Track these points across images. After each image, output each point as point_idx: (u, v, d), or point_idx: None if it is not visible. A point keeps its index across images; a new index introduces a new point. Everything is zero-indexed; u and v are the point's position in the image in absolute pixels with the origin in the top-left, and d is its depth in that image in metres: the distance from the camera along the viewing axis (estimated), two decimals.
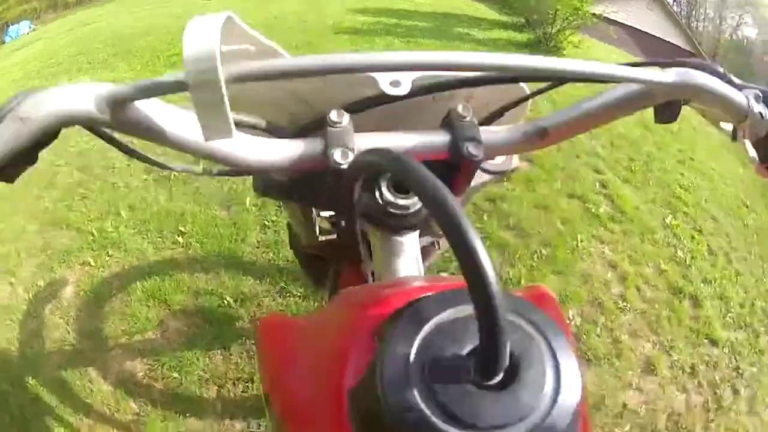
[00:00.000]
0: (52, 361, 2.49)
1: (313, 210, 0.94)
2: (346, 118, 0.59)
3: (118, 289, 2.81)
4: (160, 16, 14.06)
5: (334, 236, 0.98)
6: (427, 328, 0.38)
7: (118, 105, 0.46)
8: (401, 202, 0.63)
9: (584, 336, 2.49)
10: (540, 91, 0.70)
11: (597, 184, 3.96)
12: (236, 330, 2.48)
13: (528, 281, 2.70)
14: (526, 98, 0.69)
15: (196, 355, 2.36)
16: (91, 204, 3.63)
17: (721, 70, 0.60)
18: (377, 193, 0.63)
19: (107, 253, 3.09)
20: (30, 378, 2.41)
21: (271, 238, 3.04)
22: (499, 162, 0.77)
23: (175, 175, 3.73)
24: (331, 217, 0.98)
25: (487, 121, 0.69)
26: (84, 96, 0.45)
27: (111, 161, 4.10)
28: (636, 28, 20.91)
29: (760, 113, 0.58)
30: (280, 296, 2.64)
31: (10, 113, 0.43)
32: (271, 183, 0.71)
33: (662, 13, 23.88)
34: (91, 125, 0.48)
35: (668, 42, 23.28)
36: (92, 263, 3.03)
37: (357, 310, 0.49)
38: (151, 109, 0.49)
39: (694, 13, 36.76)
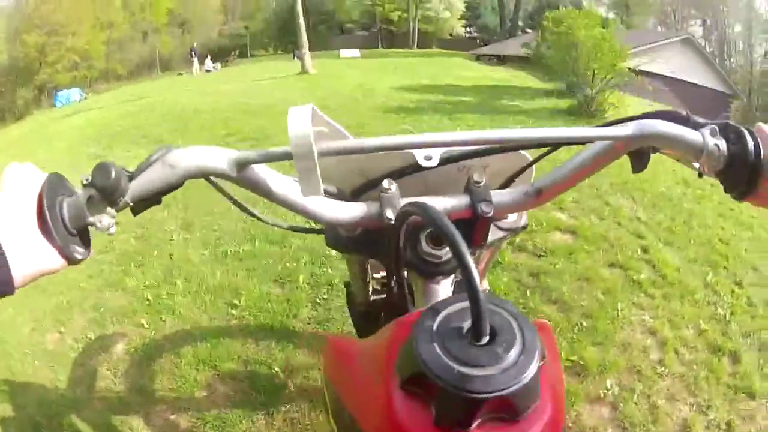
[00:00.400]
0: (94, 406, 2.60)
1: (368, 270, 1.15)
2: (394, 185, 0.75)
3: (169, 351, 2.92)
4: (213, 95, 14.64)
5: (384, 296, 1.17)
6: (442, 315, 0.55)
7: (241, 166, 0.65)
8: (436, 252, 0.78)
9: (621, 404, 2.48)
10: (539, 158, 0.85)
11: (639, 250, 3.98)
12: (282, 398, 2.53)
13: (569, 354, 2.73)
14: (529, 165, 0.85)
15: (240, 417, 2.42)
16: (147, 271, 3.82)
17: (684, 113, 0.72)
18: (418, 246, 0.79)
19: (161, 317, 3.23)
20: (67, 416, 2.52)
21: (322, 314, 3.13)
22: (511, 221, 0.89)
23: (231, 252, 3.95)
24: (381, 278, 1.16)
25: (502, 186, 0.85)
26: (218, 156, 0.65)
27: (169, 234, 4.37)
28: (671, 77, 20.92)
29: (717, 146, 0.67)
30: None
31: (160, 160, 0.63)
32: (338, 238, 0.84)
33: (695, 55, 23.94)
34: (219, 178, 0.67)
35: (704, 87, 23.16)
36: (145, 325, 3.17)
37: (399, 322, 0.65)
38: (264, 171, 0.69)
39: (725, 48, 36.56)
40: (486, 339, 0.50)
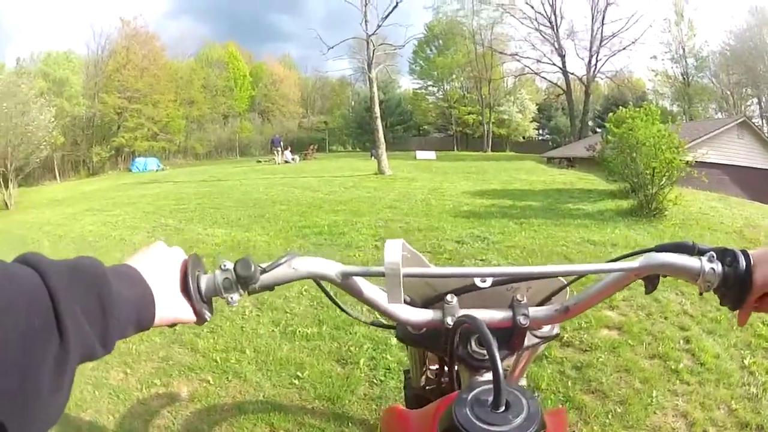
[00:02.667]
0: None
1: (426, 361, 1.37)
2: (455, 299, 0.96)
3: (231, 407, 3.18)
4: (291, 187, 15.27)
5: (435, 385, 1.34)
6: (475, 391, 0.73)
7: (346, 276, 0.89)
8: (481, 351, 0.95)
9: None
10: (570, 283, 1.05)
11: (681, 340, 4.06)
12: None
13: None
14: (562, 287, 1.03)
15: None
16: (218, 338, 4.15)
17: (690, 243, 0.87)
18: (468, 346, 0.96)
19: (227, 378, 3.52)
20: None
21: (377, 392, 3.35)
22: (546, 330, 1.05)
23: (299, 332, 4.26)
24: (435, 369, 1.35)
25: (541, 304, 1.02)
26: (330, 266, 0.89)
27: (242, 309, 4.71)
28: (729, 164, 20.64)
29: (713, 269, 0.83)
30: None
31: (286, 263, 0.87)
32: (407, 333, 1.04)
33: (752, 136, 23.33)
34: (327, 282, 0.91)
35: (762, 169, 22.46)
36: (211, 382, 3.46)
37: (446, 398, 0.85)
38: (360, 281, 0.92)
39: None
40: (502, 408, 0.69)
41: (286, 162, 30.49)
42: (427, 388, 1.40)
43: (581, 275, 0.98)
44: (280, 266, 0.87)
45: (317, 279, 0.91)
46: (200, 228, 8.65)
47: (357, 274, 0.90)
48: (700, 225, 8.91)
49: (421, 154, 30.85)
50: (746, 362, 3.68)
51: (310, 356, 3.86)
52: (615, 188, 12.00)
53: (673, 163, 9.23)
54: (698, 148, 14.22)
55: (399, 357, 3.73)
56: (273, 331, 4.34)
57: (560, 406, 3.18)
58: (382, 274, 0.84)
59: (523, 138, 51.39)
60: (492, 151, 44.10)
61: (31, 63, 42.99)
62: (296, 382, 3.48)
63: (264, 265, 0.86)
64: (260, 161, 33.89)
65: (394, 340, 3.96)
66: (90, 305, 0.55)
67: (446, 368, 1.06)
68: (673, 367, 3.62)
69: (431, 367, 1.38)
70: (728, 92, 42.65)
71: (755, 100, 42.17)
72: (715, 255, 0.84)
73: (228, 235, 7.90)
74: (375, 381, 3.49)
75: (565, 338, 4.03)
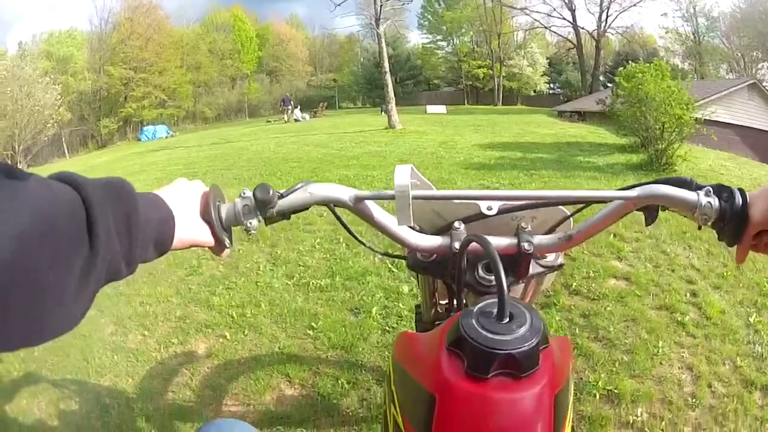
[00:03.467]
0: (167, 398, 2.95)
1: (436, 295, 1.40)
2: (462, 226, 1.01)
3: (247, 360, 3.27)
4: (302, 144, 15.36)
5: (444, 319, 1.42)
6: (481, 304, 0.76)
7: (358, 200, 0.93)
8: (488, 277, 1.01)
9: (648, 431, 2.61)
10: (574, 213, 1.08)
11: (688, 294, 4.08)
12: (344, 405, 2.81)
13: (606, 384, 2.89)
14: (566, 218, 1.07)
15: (304, 417, 2.72)
16: (234, 293, 4.23)
17: (688, 179, 0.90)
18: (475, 272, 1.02)
19: (243, 332, 3.60)
20: (140, 404, 2.88)
21: (389, 340, 3.41)
22: (550, 260, 1.08)
23: (312, 284, 4.33)
24: (446, 303, 1.40)
25: (546, 233, 1.06)
26: (343, 191, 0.93)
27: (256, 264, 4.83)
28: (739, 125, 20.45)
29: (710, 203, 0.86)
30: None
31: (302, 188, 0.91)
32: (417, 261, 1.06)
33: (762, 99, 23.04)
34: (339, 207, 0.95)
35: None
36: (228, 337, 3.54)
37: (453, 316, 0.85)
38: (372, 206, 0.96)
39: None
40: (506, 320, 0.71)
41: (297, 120, 30.49)
42: (436, 322, 1.41)
43: (584, 201, 1.01)
44: (297, 191, 0.91)
45: (331, 204, 0.95)
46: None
47: (369, 198, 0.94)
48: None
49: (431, 109, 30.67)
50: (752, 320, 3.70)
51: (324, 307, 3.93)
52: (625, 142, 11.97)
53: (683, 119, 9.23)
54: (707, 107, 14.02)
55: (410, 305, 3.79)
56: (287, 284, 4.41)
57: (564, 334, 3.25)
58: (392, 197, 0.88)
59: (534, 92, 50.83)
60: (503, 104, 43.84)
61: (33, 45, 42.73)
62: (310, 332, 3.56)
63: (281, 191, 0.91)
64: (270, 121, 33.96)
65: (406, 288, 4.07)
66: (119, 221, 0.59)
67: (455, 299, 1.07)
68: (679, 319, 3.65)
69: (441, 302, 1.42)
70: (739, 54, 41.93)
71: (766, 64, 41.48)
72: (712, 190, 0.88)
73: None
74: (387, 329, 3.56)
75: (573, 286, 4.10)
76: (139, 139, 36.50)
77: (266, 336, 3.55)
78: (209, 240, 0.83)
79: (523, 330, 0.70)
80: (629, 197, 0.90)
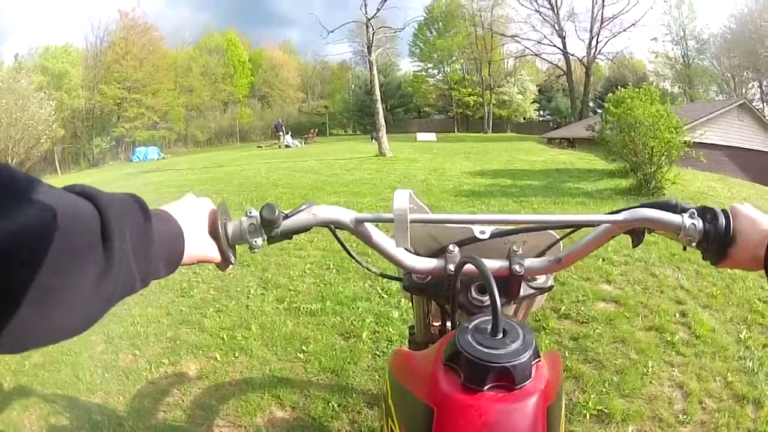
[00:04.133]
0: (158, 417, 2.94)
1: (430, 316, 1.44)
2: (456, 249, 1.05)
3: (238, 382, 3.26)
4: (293, 171, 15.39)
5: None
6: (476, 321, 0.80)
7: (358, 222, 0.97)
8: (480, 298, 1.04)
9: None
10: (564, 236, 1.12)
11: (677, 314, 4.10)
12: (336, 426, 2.81)
13: (597, 404, 2.90)
14: (555, 242, 1.11)
15: None
16: (224, 316, 4.24)
17: (674, 202, 0.95)
18: (468, 293, 1.04)
19: (234, 355, 3.60)
20: (130, 422, 2.87)
21: (380, 364, 3.42)
22: (540, 281, 1.11)
23: (303, 308, 4.35)
24: (439, 325, 1.42)
25: (537, 256, 1.09)
26: (345, 213, 0.97)
27: (247, 288, 4.83)
28: (729, 146, 20.73)
29: (693, 225, 0.89)
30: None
31: (306, 210, 0.95)
32: (412, 283, 1.10)
33: (752, 119, 23.31)
34: (340, 228, 0.98)
35: (761, 151, 22.47)
36: (218, 359, 3.54)
37: (448, 334, 0.88)
38: (371, 228, 1.00)
39: None
40: (500, 335, 0.75)
41: (287, 146, 30.62)
42: (429, 344, 1.43)
43: (573, 225, 1.05)
44: (301, 212, 0.95)
45: (333, 225, 0.98)
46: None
47: (368, 221, 0.98)
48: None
49: (421, 136, 30.98)
50: (742, 336, 3.72)
51: (315, 331, 3.94)
52: (614, 168, 12.07)
53: (672, 143, 9.31)
54: (697, 129, 14.20)
55: (400, 329, 3.81)
56: (278, 308, 4.42)
57: (554, 349, 3.25)
58: (391, 220, 0.93)
59: (524, 119, 51.34)
60: (493, 132, 44.28)
61: (29, 59, 42.97)
62: (301, 356, 3.56)
63: (286, 212, 0.95)
64: (261, 146, 34.09)
65: (396, 314, 4.09)
66: (134, 236, 0.61)
67: (448, 320, 1.12)
68: (668, 339, 3.67)
69: (434, 324, 1.46)
70: (729, 75, 42.56)
71: (756, 84, 42.08)
72: (696, 212, 0.91)
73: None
74: (378, 353, 3.57)
75: (562, 310, 4.12)
76: (131, 160, 36.63)
77: (257, 359, 3.55)
78: (216, 256, 0.87)
79: (516, 344, 0.74)
80: (616, 221, 0.95)
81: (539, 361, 0.77)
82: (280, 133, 32.34)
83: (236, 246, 0.93)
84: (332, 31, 21.85)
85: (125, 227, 0.59)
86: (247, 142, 46.08)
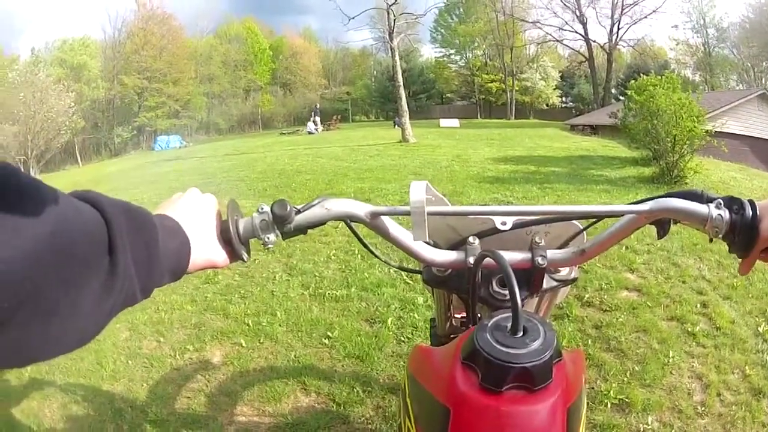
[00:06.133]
0: (182, 403, 2.99)
1: (451, 309, 1.40)
2: (477, 241, 1.01)
3: (263, 368, 3.31)
4: (316, 157, 15.40)
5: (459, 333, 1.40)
6: (495, 318, 0.77)
7: (374, 216, 0.94)
8: (502, 291, 1.01)
9: None
10: (587, 227, 1.08)
11: (698, 305, 4.09)
12: (359, 412, 2.83)
13: (618, 394, 2.91)
14: (579, 232, 1.07)
15: (320, 424, 2.74)
16: (249, 303, 4.28)
17: (700, 191, 0.90)
18: (490, 287, 1.02)
19: (259, 340, 3.64)
20: (154, 408, 2.92)
21: (404, 350, 3.44)
22: (564, 273, 1.06)
23: (328, 294, 4.37)
24: (461, 317, 1.42)
25: (559, 248, 1.04)
26: (360, 207, 0.93)
27: (272, 274, 4.88)
28: (750, 136, 20.41)
29: (720, 216, 0.84)
30: None
31: (319, 204, 0.92)
32: (432, 276, 1.06)
33: None
34: (356, 222, 0.94)
35: None
36: (243, 345, 3.58)
37: (468, 330, 0.84)
38: (388, 221, 0.96)
39: None
40: (520, 334, 0.72)
41: (310, 133, 30.54)
42: (452, 336, 1.43)
43: (597, 216, 1.03)
44: (314, 207, 0.92)
45: (348, 219, 0.94)
46: (227, 200, 8.48)
47: (385, 214, 0.95)
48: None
49: (444, 122, 30.77)
50: (761, 330, 3.72)
51: (340, 317, 3.96)
52: (637, 155, 11.91)
53: (694, 132, 9.24)
54: (718, 118, 13.99)
55: (425, 315, 3.82)
56: (303, 294, 4.45)
57: (577, 347, 3.27)
58: (408, 213, 0.88)
59: (547, 105, 50.87)
60: (515, 118, 43.98)
61: (46, 52, 43.19)
62: (326, 341, 3.59)
63: (298, 207, 0.92)
64: (284, 133, 33.89)
65: (421, 300, 4.09)
66: (139, 250, 0.59)
67: (470, 312, 1.07)
68: (689, 329, 3.67)
69: (456, 316, 1.43)
70: (749, 64, 41.89)
71: None
72: (722, 203, 0.87)
73: (254, 206, 7.56)
74: (402, 339, 3.59)
75: (585, 298, 4.12)
76: (153, 149, 36.78)
77: (282, 344, 3.58)
78: (224, 261, 0.85)
79: (536, 344, 0.72)
80: (641, 211, 0.90)
81: (560, 360, 0.75)
82: (317, 118, 32.54)
83: (249, 242, 0.91)
84: (353, 18, 21.90)
85: (131, 239, 0.58)
86: (270, 129, 45.83)
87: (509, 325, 0.75)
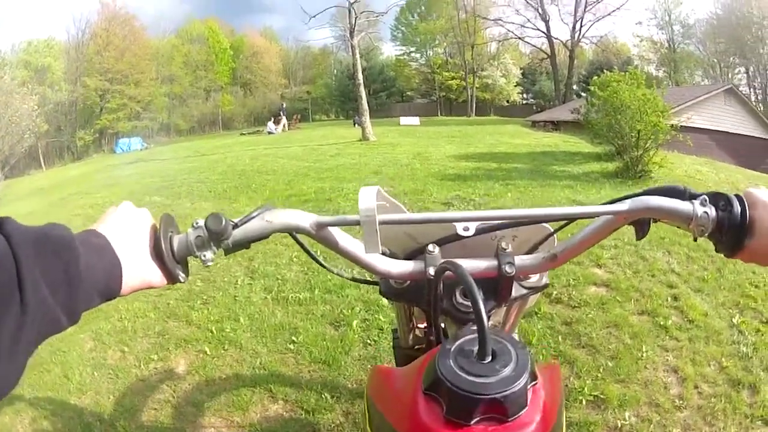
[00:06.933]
0: (149, 415, 2.90)
1: (413, 319, 1.33)
2: (437, 249, 0.94)
3: (229, 376, 3.22)
4: (276, 157, 15.28)
5: (424, 345, 1.34)
6: (459, 341, 0.71)
7: (320, 227, 0.85)
8: (466, 303, 0.94)
9: None
10: (557, 230, 1.02)
11: (669, 298, 4.09)
12: (330, 419, 2.77)
13: (592, 390, 2.89)
14: (549, 236, 1.01)
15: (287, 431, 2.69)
16: (212, 308, 4.18)
17: (681, 187, 0.84)
18: (453, 298, 0.95)
19: (224, 347, 3.55)
20: (122, 422, 2.83)
21: (371, 353, 3.40)
22: (534, 280, 1.01)
23: (291, 297, 4.29)
24: (424, 328, 1.32)
25: (528, 253, 1.00)
26: (303, 217, 0.85)
27: (234, 277, 4.78)
28: (716, 131, 20.83)
29: (706, 213, 0.79)
30: None
31: (259, 216, 0.84)
32: (390, 288, 1.00)
33: (739, 104, 23.50)
34: (300, 234, 0.87)
35: (748, 136, 22.72)
36: (208, 352, 3.49)
37: (430, 352, 0.79)
38: (336, 232, 0.89)
39: None
40: (489, 359, 0.66)
41: (270, 133, 30.42)
42: (416, 347, 1.39)
43: (569, 219, 0.93)
44: (253, 220, 0.84)
45: (292, 232, 0.88)
46: (188, 203, 8.63)
47: (332, 224, 0.87)
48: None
49: (405, 120, 30.84)
50: (735, 321, 3.74)
51: (304, 321, 3.90)
52: (600, 151, 12.09)
53: (658, 126, 9.36)
54: (683, 113, 14.24)
55: (391, 317, 3.76)
56: (266, 298, 4.38)
57: (553, 360, 3.22)
58: (358, 223, 0.82)
59: (508, 102, 51.50)
60: (476, 115, 44.19)
61: (12, 54, 42.50)
62: (291, 347, 3.52)
63: (236, 220, 0.84)
64: (244, 134, 33.86)
65: (386, 301, 3.98)
66: (56, 275, 0.55)
67: (433, 322, 1.00)
68: (661, 323, 3.67)
69: (419, 326, 1.35)
70: (714, 60, 42.83)
71: (742, 69, 42.36)
72: (708, 199, 0.81)
73: (215, 208, 7.73)
74: (368, 341, 3.54)
75: (553, 295, 4.10)
76: (114, 152, 36.38)
77: (247, 351, 3.51)
78: (161, 281, 0.77)
79: (508, 370, 0.66)
80: (619, 211, 0.84)
81: (536, 384, 0.68)
82: (284, 118, 32.63)
83: (188, 261, 0.83)
84: (314, 16, 21.66)
85: (45, 266, 0.54)
86: (230, 130, 45.80)
87: (475, 349, 0.68)
